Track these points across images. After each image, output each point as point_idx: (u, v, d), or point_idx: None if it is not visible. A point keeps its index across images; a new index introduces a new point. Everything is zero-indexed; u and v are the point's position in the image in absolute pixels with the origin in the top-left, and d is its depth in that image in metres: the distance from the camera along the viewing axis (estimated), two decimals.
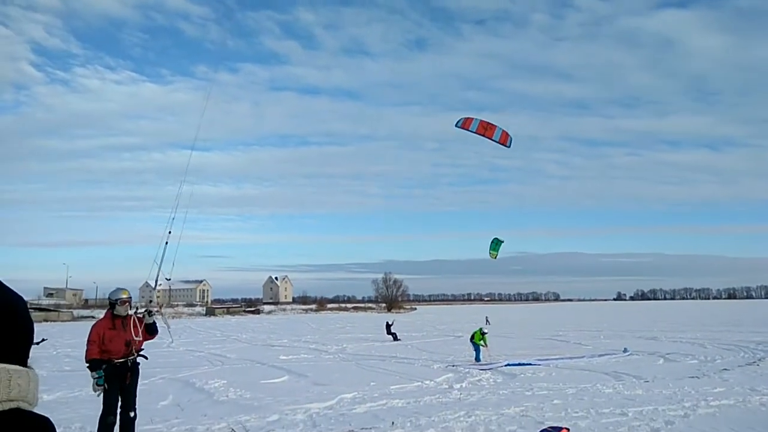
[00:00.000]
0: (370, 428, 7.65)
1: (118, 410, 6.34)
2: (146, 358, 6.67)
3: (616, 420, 8.12)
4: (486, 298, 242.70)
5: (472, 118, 13.67)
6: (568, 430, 7.22)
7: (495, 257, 14.72)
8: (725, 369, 14.53)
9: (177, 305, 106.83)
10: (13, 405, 0.90)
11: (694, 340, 24.37)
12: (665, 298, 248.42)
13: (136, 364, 6.52)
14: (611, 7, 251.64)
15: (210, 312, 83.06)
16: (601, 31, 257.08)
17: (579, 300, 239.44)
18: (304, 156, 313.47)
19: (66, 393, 11.57)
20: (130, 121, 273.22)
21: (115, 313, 6.47)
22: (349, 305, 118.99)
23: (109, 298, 6.68)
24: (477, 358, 17.87)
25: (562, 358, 18.23)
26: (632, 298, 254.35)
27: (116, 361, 6.31)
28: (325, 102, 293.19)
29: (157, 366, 16.98)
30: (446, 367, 16.26)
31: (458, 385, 12.33)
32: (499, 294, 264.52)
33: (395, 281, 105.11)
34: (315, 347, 24.47)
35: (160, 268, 6.57)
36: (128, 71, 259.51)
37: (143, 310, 6.77)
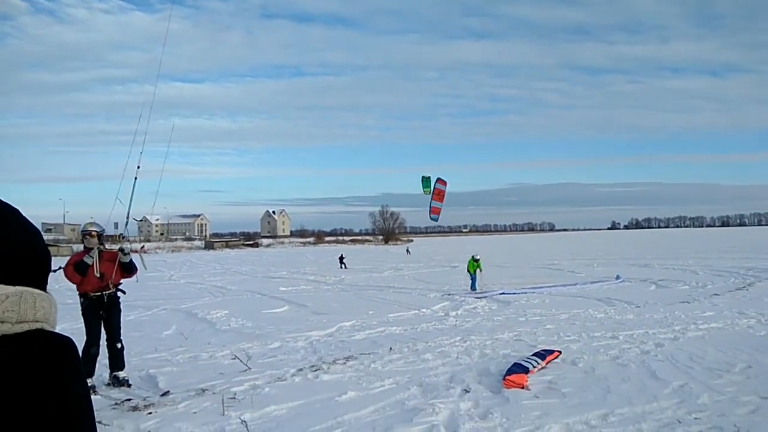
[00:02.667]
0: (369, 353, 7.88)
1: (103, 342, 6.49)
2: (124, 292, 6.72)
3: (607, 343, 8.37)
4: (481, 230, 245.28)
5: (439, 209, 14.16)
6: (560, 352, 7.47)
7: (428, 193, 14.98)
8: (715, 294, 14.86)
9: (176, 239, 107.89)
10: (38, 325, 0.96)
11: (686, 267, 24.83)
12: (659, 227, 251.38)
13: (113, 298, 6.57)
14: None
15: (209, 246, 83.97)
16: None
17: (574, 230, 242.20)
18: (299, 87, 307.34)
19: (71, 324, 11.81)
20: (121, 52, 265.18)
21: (85, 245, 6.48)
22: (346, 238, 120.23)
23: (81, 231, 6.66)
24: (473, 287, 18.25)
25: (555, 286, 18.57)
26: (627, 227, 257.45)
27: (92, 294, 6.39)
28: (319, 30, 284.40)
29: (159, 298, 17.33)
30: (442, 296, 16.60)
31: (454, 313, 12.63)
32: (495, 225, 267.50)
33: (392, 214, 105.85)
34: (314, 279, 24.90)
35: (130, 207, 6.48)
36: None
37: (117, 247, 6.72)
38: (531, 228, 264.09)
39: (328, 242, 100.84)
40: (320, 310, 13.48)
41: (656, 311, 11.86)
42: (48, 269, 1.04)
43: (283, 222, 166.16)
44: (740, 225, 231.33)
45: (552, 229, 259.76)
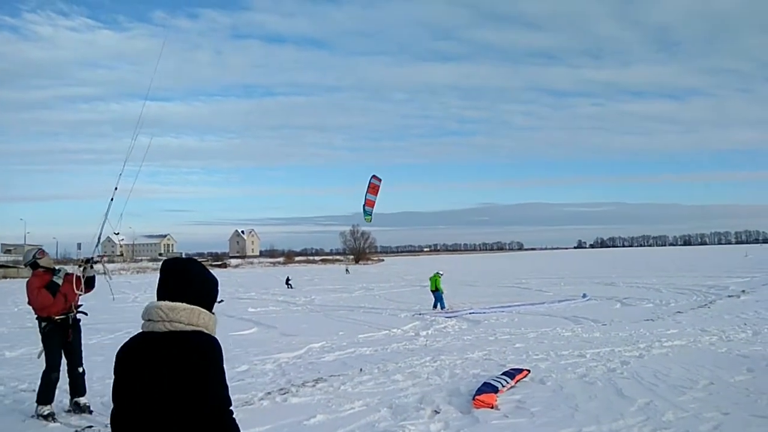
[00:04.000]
0: (339, 375, 7.80)
1: (64, 367, 6.28)
2: (86, 314, 6.54)
3: (575, 361, 8.47)
4: (451, 249, 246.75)
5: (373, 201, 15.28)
6: (529, 371, 7.53)
7: (369, 221, 15.64)
8: (679, 312, 15.23)
9: (141, 260, 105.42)
10: (197, 329, 1.98)
11: (650, 285, 25.39)
12: (624, 246, 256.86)
13: (76, 321, 6.40)
14: None
15: None
16: None
17: (542, 249, 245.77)
18: (269, 107, 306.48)
19: (30, 349, 11.40)
20: (86, 70, 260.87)
21: (44, 265, 6.26)
22: (317, 258, 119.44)
23: (30, 260, 6.32)
24: (442, 306, 18.27)
25: (524, 305, 18.78)
26: (592, 246, 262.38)
27: (56, 317, 6.19)
28: (290, 51, 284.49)
29: (123, 320, 16.84)
30: (413, 315, 16.58)
31: (424, 333, 12.63)
32: (465, 244, 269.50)
33: (363, 233, 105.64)
34: (283, 299, 24.60)
35: (102, 227, 6.31)
36: (83, 17, 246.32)
37: (80, 267, 6.48)
38: (500, 247, 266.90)
39: (299, 262, 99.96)
40: (289, 332, 13.31)
41: (622, 329, 12.07)
42: (214, 300, 2.08)
43: (253, 242, 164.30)
44: (701, 244, 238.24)
45: (521, 247, 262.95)
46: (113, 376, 2.07)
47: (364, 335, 12.32)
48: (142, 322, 2.07)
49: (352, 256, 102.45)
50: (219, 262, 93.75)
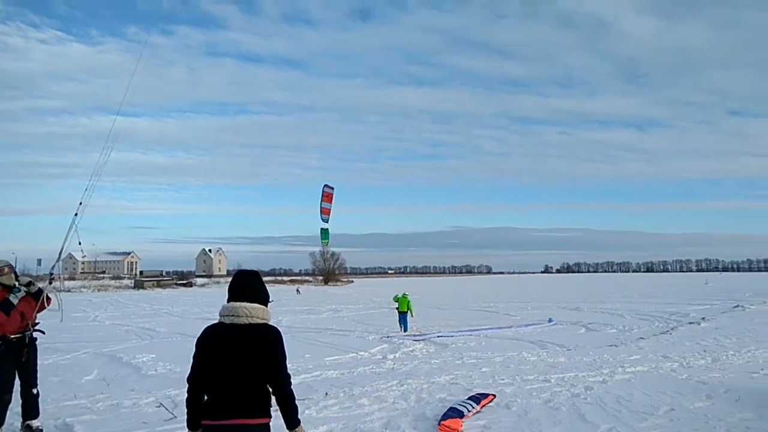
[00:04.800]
0: (304, 399, 7.66)
1: (17, 389, 6.03)
2: (43, 333, 6.32)
3: (540, 386, 8.52)
4: (421, 271, 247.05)
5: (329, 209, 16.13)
6: (494, 396, 7.54)
7: (326, 244, 16.15)
8: (641, 338, 15.51)
9: (103, 277, 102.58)
10: (266, 321, 3.05)
11: (614, 311, 25.85)
12: (589, 271, 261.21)
13: (33, 340, 6.17)
14: None
15: (139, 285, 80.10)
16: (542, 11, 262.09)
17: (510, 273, 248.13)
18: (242, 125, 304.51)
19: None
20: (57, 83, 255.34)
21: (4, 282, 6.01)
22: (285, 278, 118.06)
23: None
24: (405, 328, 18.31)
25: (491, 328, 18.91)
26: (558, 271, 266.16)
27: (12, 336, 5.95)
28: (266, 70, 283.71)
29: (81, 340, 16.33)
30: (381, 338, 16.49)
31: (392, 356, 12.55)
32: (434, 267, 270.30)
33: (332, 254, 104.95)
34: None
35: (64, 243, 6.12)
36: (54, 30, 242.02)
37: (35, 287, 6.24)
38: (469, 270, 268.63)
39: (267, 282, 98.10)
40: None
41: (586, 354, 12.22)
42: (269, 300, 3.13)
43: (220, 261, 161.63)
44: (663, 271, 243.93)
45: (489, 271, 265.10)
46: (196, 350, 3.08)
47: (331, 358, 12.18)
48: (223, 315, 3.05)
49: (321, 277, 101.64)
50: (184, 281, 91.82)
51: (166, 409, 6.93)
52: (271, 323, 3.09)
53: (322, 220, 16.44)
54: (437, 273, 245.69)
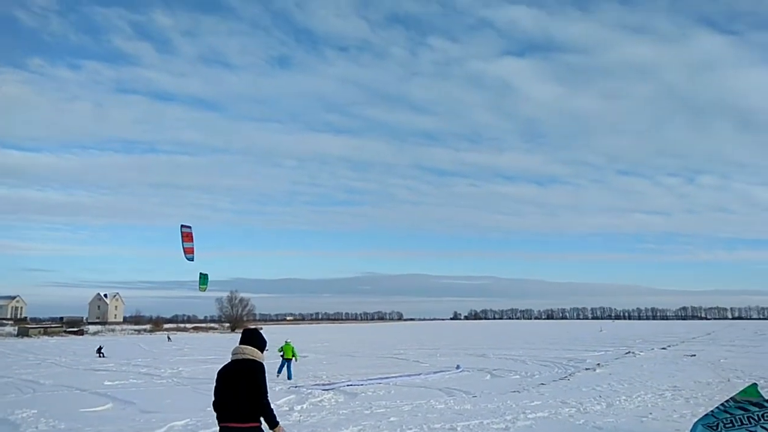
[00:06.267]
0: None
1: None
2: None
3: None
4: (333, 318, 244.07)
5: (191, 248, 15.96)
6: None
7: (204, 290, 16.42)
8: (542, 383, 16.10)
9: None
10: (255, 359, 4.49)
11: (517, 357, 26.74)
12: (495, 318, 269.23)
13: None
14: (461, 51, 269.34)
15: (23, 332, 73.24)
16: (452, 71, 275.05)
17: (420, 319, 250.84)
18: (150, 164, 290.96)
19: None
20: None
21: None
22: (189, 325, 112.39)
23: None
24: (289, 376, 18.80)
25: (401, 376, 18.92)
26: (467, 318, 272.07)
27: None
28: (178, 110, 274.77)
29: None
30: (289, 388, 16.01)
31: (299, 407, 12.18)
32: (346, 313, 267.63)
33: (241, 300, 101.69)
34: (146, 371, 22.68)
35: None
36: None
37: None
38: (381, 317, 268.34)
39: (168, 329, 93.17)
40: (149, 408, 12.24)
41: (491, 401, 12.50)
42: (264, 347, 4.65)
43: (116, 306, 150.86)
44: (562, 318, 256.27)
45: (400, 317, 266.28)
46: (215, 384, 4.47)
47: None
48: (232, 354, 4.52)
49: (228, 324, 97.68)
50: (75, 329, 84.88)
51: None
52: (259, 360, 4.49)
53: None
54: (349, 320, 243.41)
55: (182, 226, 15.65)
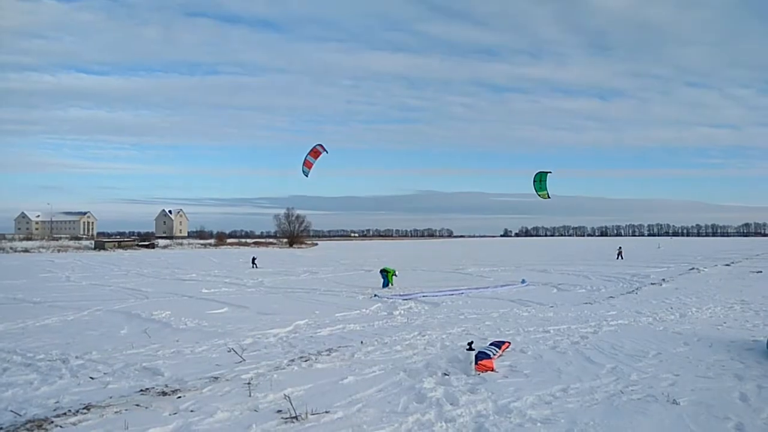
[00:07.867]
0: (345, 347, 8.66)
1: None
2: None
3: (542, 336, 9.75)
4: (383, 234, 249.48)
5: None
6: (509, 343, 8.71)
7: (546, 196, 17.20)
8: (611, 297, 17.01)
9: (60, 238, 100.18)
10: None
11: (579, 273, 27.62)
12: (546, 235, 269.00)
13: None
14: None
15: (99, 246, 78.76)
16: None
17: (470, 236, 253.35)
18: (212, 85, 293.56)
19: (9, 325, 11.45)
20: (26, 40, 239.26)
21: None
22: (249, 240, 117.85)
23: None
24: (384, 285, 20.79)
25: (470, 289, 20.09)
26: (517, 235, 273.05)
27: None
28: (242, 31, 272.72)
29: (79, 299, 16.82)
30: (370, 297, 17.39)
31: (397, 312, 13.62)
32: (397, 230, 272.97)
33: (298, 216, 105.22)
34: (230, 281, 24.75)
35: None
36: None
37: None
38: (431, 234, 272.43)
39: (231, 244, 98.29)
40: (265, 311, 13.92)
41: (569, 310, 13.59)
42: None
43: (181, 222, 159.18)
44: (617, 235, 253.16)
45: (450, 234, 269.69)
46: None
47: (341, 314, 13.16)
48: None
49: (285, 239, 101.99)
50: (146, 242, 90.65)
51: (236, 353, 7.80)
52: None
53: (303, 173, 17.50)
54: (399, 236, 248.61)
55: (320, 144, 17.05)
